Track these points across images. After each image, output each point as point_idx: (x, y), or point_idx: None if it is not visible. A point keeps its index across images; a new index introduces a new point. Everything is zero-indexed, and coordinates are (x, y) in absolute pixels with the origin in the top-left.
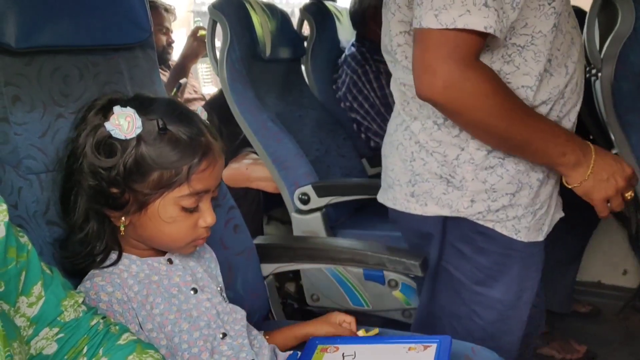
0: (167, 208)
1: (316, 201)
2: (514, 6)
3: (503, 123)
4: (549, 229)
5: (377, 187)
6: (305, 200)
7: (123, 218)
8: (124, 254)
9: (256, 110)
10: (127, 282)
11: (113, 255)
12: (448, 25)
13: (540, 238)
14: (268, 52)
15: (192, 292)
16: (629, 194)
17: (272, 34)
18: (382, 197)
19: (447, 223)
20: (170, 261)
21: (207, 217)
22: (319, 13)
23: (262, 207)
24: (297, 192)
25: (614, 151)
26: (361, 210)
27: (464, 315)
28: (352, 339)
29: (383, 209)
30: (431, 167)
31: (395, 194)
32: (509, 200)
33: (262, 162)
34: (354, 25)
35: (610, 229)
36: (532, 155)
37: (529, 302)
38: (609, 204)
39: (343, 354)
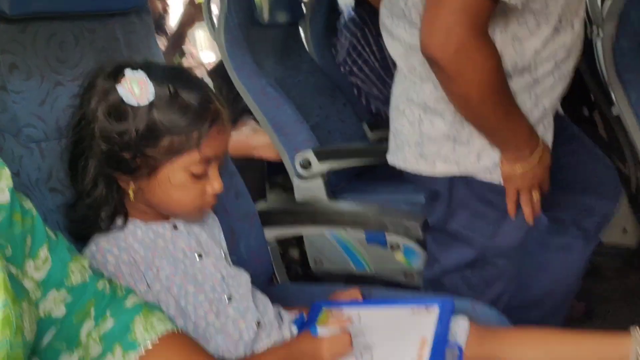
0: (177, 174)
1: (317, 166)
2: None
3: (489, 103)
4: None
5: (377, 151)
6: (306, 165)
7: (132, 183)
8: (129, 218)
9: (255, 76)
10: (133, 245)
11: (119, 221)
12: None
13: None
14: (266, 16)
15: (197, 256)
16: (535, 194)
17: None
18: (392, 159)
19: (456, 182)
20: (175, 227)
21: (215, 184)
22: None
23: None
24: (298, 157)
25: (614, 110)
26: (362, 176)
27: (478, 266)
28: (356, 302)
29: (383, 174)
30: (439, 128)
31: (405, 155)
32: None
33: (262, 130)
34: None
35: None
36: (494, 139)
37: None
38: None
39: (348, 315)
